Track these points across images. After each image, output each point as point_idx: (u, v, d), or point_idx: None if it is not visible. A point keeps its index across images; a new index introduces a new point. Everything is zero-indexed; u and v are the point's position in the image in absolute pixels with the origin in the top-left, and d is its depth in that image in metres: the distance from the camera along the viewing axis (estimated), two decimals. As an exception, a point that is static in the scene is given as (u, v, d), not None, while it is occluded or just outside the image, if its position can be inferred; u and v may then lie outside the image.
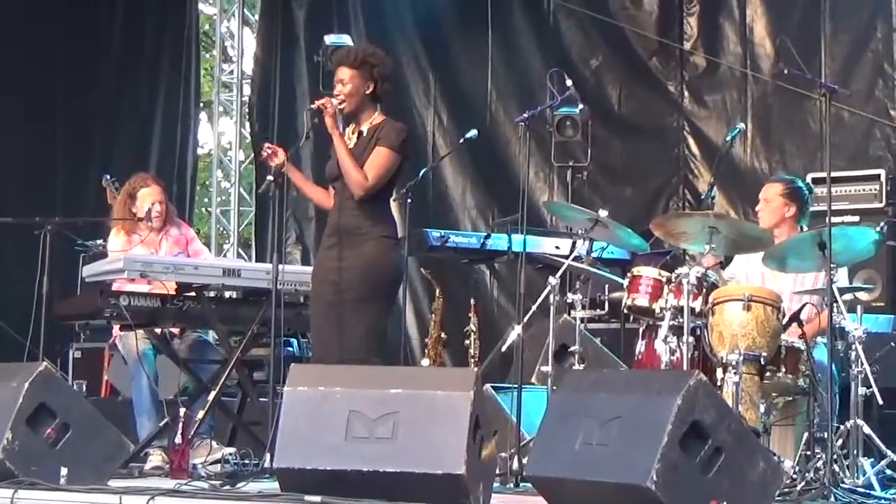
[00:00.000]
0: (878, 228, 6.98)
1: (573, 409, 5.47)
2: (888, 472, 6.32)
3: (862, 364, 6.34)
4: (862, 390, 6.34)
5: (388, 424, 5.29)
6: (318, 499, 5.24)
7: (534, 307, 6.92)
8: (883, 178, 8.77)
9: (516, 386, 6.79)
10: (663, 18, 10.54)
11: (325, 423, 5.33)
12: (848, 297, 6.58)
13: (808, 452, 6.31)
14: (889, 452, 6.29)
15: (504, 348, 7.31)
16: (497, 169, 10.85)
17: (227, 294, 7.54)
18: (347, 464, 5.27)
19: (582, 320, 7.11)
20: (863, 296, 7.12)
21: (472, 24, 11.13)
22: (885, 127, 9.44)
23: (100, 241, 8.94)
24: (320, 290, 6.53)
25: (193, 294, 7.40)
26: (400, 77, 10.20)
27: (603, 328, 8.44)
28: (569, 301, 7.12)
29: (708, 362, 6.47)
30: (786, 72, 6.94)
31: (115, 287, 7.40)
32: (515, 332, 6.84)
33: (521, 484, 6.45)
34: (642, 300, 6.74)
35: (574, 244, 7.52)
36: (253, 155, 12.45)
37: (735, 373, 6.23)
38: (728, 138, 8.20)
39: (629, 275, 6.90)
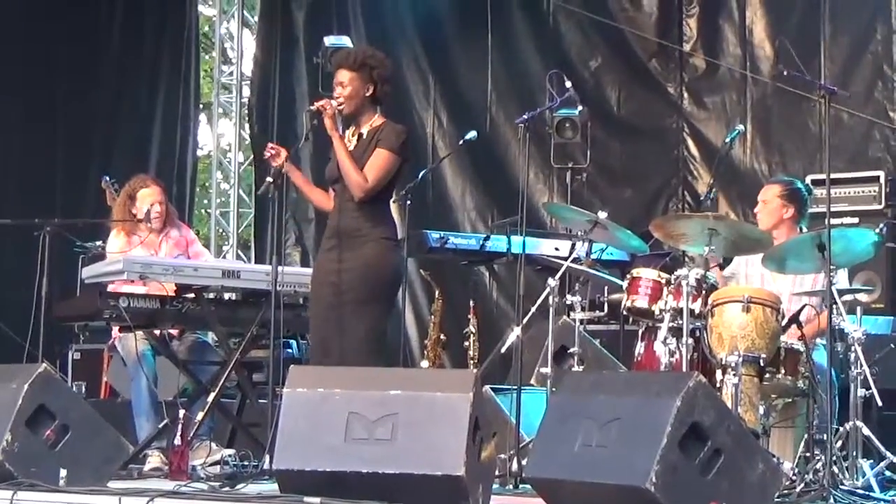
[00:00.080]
0: (877, 230, 6.98)
1: (572, 410, 5.47)
2: (887, 473, 6.31)
3: (861, 366, 6.34)
4: (861, 392, 6.34)
5: (387, 426, 5.29)
6: (317, 500, 5.24)
7: (533, 309, 6.92)
8: (882, 180, 8.77)
9: (516, 387, 6.79)
10: (663, 20, 10.54)
11: (325, 425, 5.33)
12: (847, 298, 6.59)
13: (808, 454, 6.31)
14: (888, 454, 6.29)
15: (503, 350, 7.30)
16: (496, 170, 10.85)
17: (226, 295, 7.53)
18: (347, 465, 5.27)
19: (581, 322, 7.10)
20: (862, 297, 7.12)
21: (472, 25, 11.14)
22: (884, 129, 9.44)
23: (99, 243, 8.93)
24: (320, 292, 6.53)
25: (193, 295, 7.40)
26: (399, 78, 10.20)
27: (602, 330, 8.43)
28: (568, 303, 7.12)
29: (707, 364, 6.46)
30: (785, 73, 6.94)
31: (110, 288, 7.40)
32: (515, 333, 6.83)
33: (521, 485, 6.44)
34: (642, 302, 6.74)
35: (573, 246, 7.51)
36: (252, 156, 12.46)
37: (734, 374, 6.22)
38: (727, 140, 8.20)
39: (628, 276, 6.90)
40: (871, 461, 6.29)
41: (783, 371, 6.43)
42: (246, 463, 7.18)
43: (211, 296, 7.47)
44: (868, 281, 8.17)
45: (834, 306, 6.23)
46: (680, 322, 6.50)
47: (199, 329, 7.90)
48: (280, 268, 6.71)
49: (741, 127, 9.03)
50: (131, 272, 7.16)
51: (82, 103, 11.55)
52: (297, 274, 7.45)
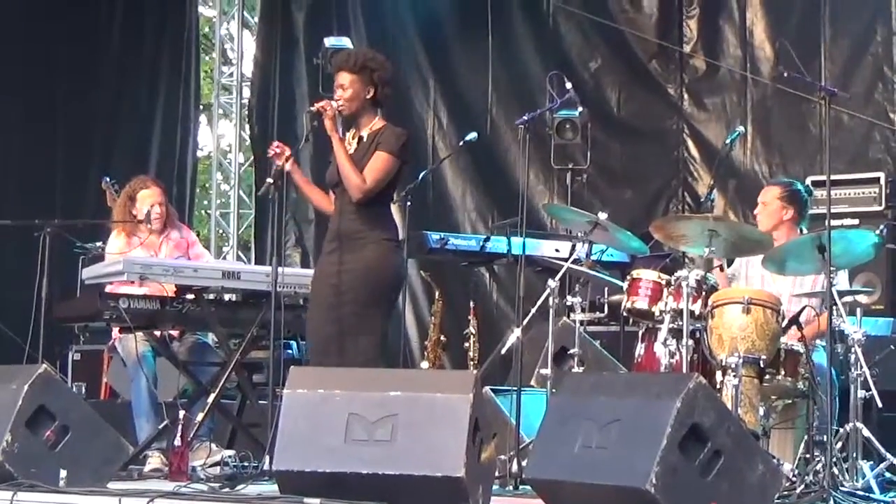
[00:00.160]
0: (877, 231, 6.98)
1: (572, 411, 5.47)
2: (887, 474, 6.31)
3: (861, 367, 6.34)
4: (861, 393, 6.34)
5: (387, 427, 5.29)
6: (317, 501, 5.24)
7: (533, 310, 6.92)
8: (882, 181, 8.77)
9: (516, 388, 6.79)
10: (663, 21, 10.54)
11: (325, 426, 5.33)
12: (847, 299, 6.59)
13: (808, 455, 6.31)
14: (888, 455, 6.29)
15: (503, 351, 7.30)
16: (497, 171, 10.85)
17: (226, 296, 7.52)
18: (347, 466, 5.27)
19: (581, 323, 7.10)
20: (862, 299, 7.12)
21: (472, 26, 11.14)
22: (884, 130, 9.44)
23: (99, 244, 8.94)
24: (320, 294, 6.52)
25: (193, 296, 7.40)
26: (400, 80, 10.19)
27: (602, 331, 8.43)
28: (568, 304, 7.12)
29: (707, 365, 6.46)
30: (785, 75, 6.94)
31: (109, 289, 7.40)
32: (515, 334, 6.83)
33: (521, 486, 6.44)
34: (642, 303, 6.74)
35: (573, 247, 7.52)
36: (252, 157, 12.46)
37: (734, 375, 6.23)
38: (727, 141, 8.21)
39: (629, 277, 6.90)
40: (871, 462, 6.30)
41: (783, 372, 6.43)
42: (246, 464, 7.17)
43: (211, 297, 7.47)
44: (868, 282, 8.18)
45: (834, 308, 6.23)
46: (680, 323, 6.50)
47: (199, 330, 7.90)
48: (280, 269, 6.70)
49: (741, 128, 9.03)
50: (131, 273, 7.16)
51: (82, 104, 11.55)
52: (298, 275, 7.45)
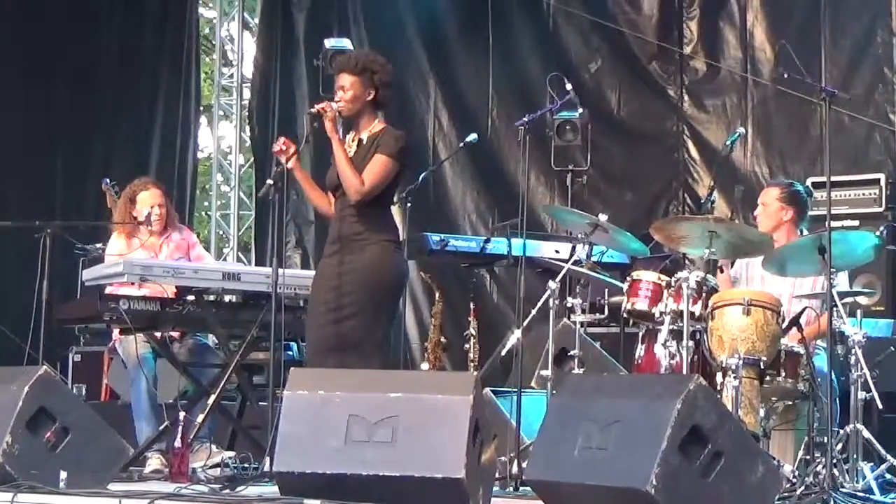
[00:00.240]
0: (877, 233, 6.98)
1: (573, 413, 5.47)
2: (888, 476, 6.31)
3: (862, 368, 6.34)
4: (862, 394, 6.34)
5: (387, 428, 5.29)
6: (317, 503, 5.24)
7: (533, 311, 6.92)
8: (883, 183, 8.78)
9: (516, 390, 6.79)
10: (663, 22, 10.55)
11: (325, 427, 5.33)
12: (848, 301, 6.58)
13: (808, 456, 6.31)
14: (889, 457, 6.29)
15: (504, 352, 7.30)
16: (497, 173, 10.86)
17: (226, 298, 7.51)
18: (347, 468, 5.26)
19: (582, 324, 7.10)
20: (863, 300, 7.12)
21: (473, 28, 11.15)
22: (884, 131, 9.44)
23: (99, 245, 8.95)
24: (321, 296, 6.51)
25: (193, 298, 7.40)
26: (400, 81, 10.19)
27: (603, 332, 8.44)
28: (568, 305, 7.12)
29: (707, 366, 6.46)
30: (786, 76, 6.93)
31: (109, 291, 7.40)
32: (515, 336, 6.84)
33: (521, 488, 6.44)
34: (642, 304, 6.74)
35: (574, 248, 7.53)
36: (253, 159, 12.47)
37: (735, 377, 6.22)
38: (727, 143, 8.20)
39: (629, 279, 6.89)
40: (872, 464, 6.30)
41: (783, 374, 6.43)
42: (246, 465, 7.18)
43: (211, 298, 7.47)
44: (868, 284, 8.18)
45: (834, 309, 6.22)
46: (680, 325, 6.50)
47: (199, 331, 7.90)
48: (280, 270, 6.70)
49: (741, 130, 9.03)
50: (131, 274, 7.16)
51: (83, 105, 11.55)
52: (298, 276, 7.45)
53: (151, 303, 7.34)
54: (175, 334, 7.79)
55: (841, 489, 5.98)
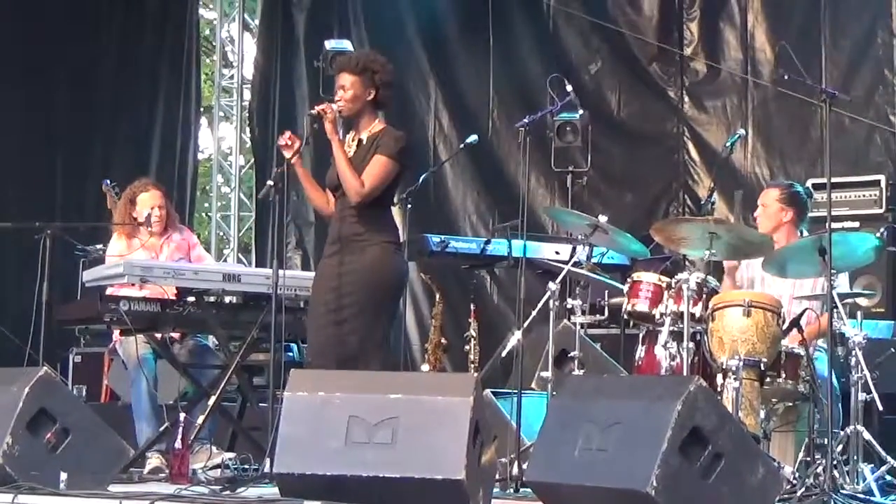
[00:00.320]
0: (878, 234, 6.98)
1: (573, 414, 5.47)
2: (888, 477, 6.31)
3: (862, 370, 6.34)
4: (862, 396, 6.34)
5: (387, 430, 5.29)
6: (317, 504, 5.25)
7: (534, 313, 6.91)
8: (883, 184, 8.78)
9: (516, 391, 6.79)
10: (663, 23, 10.54)
11: (325, 429, 5.33)
12: (848, 302, 6.58)
13: (808, 458, 6.30)
14: (889, 458, 6.29)
15: (504, 354, 7.30)
16: (497, 174, 10.86)
17: (227, 299, 7.52)
18: (347, 469, 5.26)
19: (582, 326, 7.10)
20: (863, 301, 7.12)
21: (473, 29, 11.15)
22: (885, 133, 9.44)
23: (100, 246, 8.95)
24: (321, 297, 6.51)
25: (193, 299, 7.40)
26: (401, 82, 10.20)
27: (603, 334, 8.44)
28: (569, 306, 7.12)
29: (708, 368, 6.46)
30: (786, 77, 6.94)
31: (109, 292, 7.40)
32: (515, 337, 6.84)
33: (521, 489, 6.44)
34: (642, 306, 6.74)
35: (574, 249, 7.53)
36: (253, 160, 12.46)
37: (735, 378, 6.22)
38: (728, 144, 8.21)
39: (629, 280, 6.90)
40: (872, 465, 6.30)
41: (784, 375, 6.43)
42: (246, 467, 7.18)
43: (211, 299, 7.47)
44: (869, 285, 8.17)
45: (835, 310, 6.22)
46: (680, 326, 6.50)
47: (199, 332, 7.90)
48: (281, 271, 6.70)
49: (742, 131, 9.04)
50: (132, 276, 7.16)
51: (83, 106, 11.54)
52: (298, 277, 7.45)
53: (152, 304, 7.34)
54: (175, 335, 7.79)
55: (841, 491, 5.98)
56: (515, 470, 6.58)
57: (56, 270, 7.60)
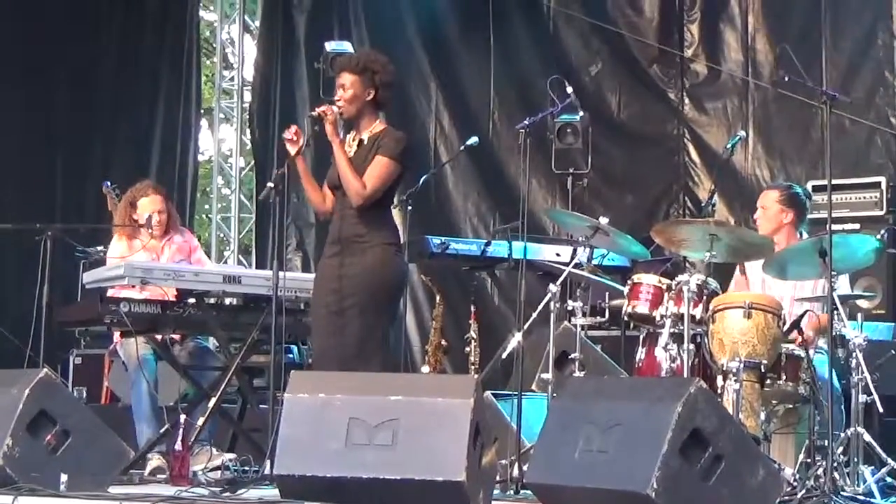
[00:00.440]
0: (878, 236, 6.97)
1: (574, 416, 5.47)
2: (889, 479, 6.31)
3: (862, 372, 6.33)
4: (862, 398, 6.33)
5: (388, 431, 5.29)
6: (318, 506, 5.25)
7: (534, 314, 6.91)
8: (883, 186, 8.79)
9: (517, 393, 6.79)
10: (664, 25, 10.55)
11: (326, 430, 5.33)
12: (849, 303, 6.58)
13: (809, 460, 6.30)
14: (890, 460, 6.28)
15: (504, 355, 7.30)
16: (498, 176, 10.86)
17: (227, 301, 7.51)
18: (347, 471, 5.26)
19: (582, 327, 7.09)
20: (863, 303, 7.11)
21: (474, 31, 11.15)
22: (885, 134, 9.44)
23: (100, 248, 8.94)
24: (321, 298, 6.52)
25: (194, 301, 7.40)
26: (402, 84, 10.20)
27: (603, 335, 8.44)
28: (569, 308, 7.11)
29: (708, 370, 6.46)
30: (786, 79, 6.94)
31: (110, 293, 7.40)
32: (516, 339, 6.83)
33: (522, 491, 6.43)
34: (643, 307, 6.74)
35: (574, 251, 7.52)
36: (253, 162, 12.46)
37: (735, 380, 6.22)
38: (728, 146, 8.21)
39: (629, 282, 6.89)
40: (873, 467, 6.29)
41: (784, 377, 6.43)
42: (247, 468, 7.18)
43: (212, 301, 7.46)
44: (869, 287, 8.17)
45: (835, 312, 6.22)
46: (681, 328, 6.50)
47: (200, 334, 7.91)
48: (281, 273, 6.70)
49: (742, 133, 9.04)
50: (132, 277, 7.16)
51: (83, 107, 11.54)
52: (299, 279, 7.45)
53: (152, 305, 7.34)
54: (176, 337, 7.80)
55: (842, 493, 5.97)
56: (516, 471, 6.57)
57: (56, 272, 7.60)
